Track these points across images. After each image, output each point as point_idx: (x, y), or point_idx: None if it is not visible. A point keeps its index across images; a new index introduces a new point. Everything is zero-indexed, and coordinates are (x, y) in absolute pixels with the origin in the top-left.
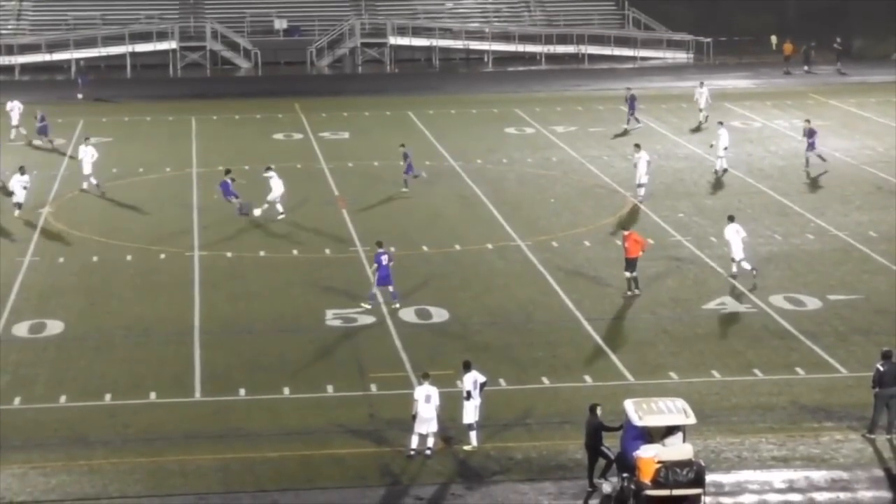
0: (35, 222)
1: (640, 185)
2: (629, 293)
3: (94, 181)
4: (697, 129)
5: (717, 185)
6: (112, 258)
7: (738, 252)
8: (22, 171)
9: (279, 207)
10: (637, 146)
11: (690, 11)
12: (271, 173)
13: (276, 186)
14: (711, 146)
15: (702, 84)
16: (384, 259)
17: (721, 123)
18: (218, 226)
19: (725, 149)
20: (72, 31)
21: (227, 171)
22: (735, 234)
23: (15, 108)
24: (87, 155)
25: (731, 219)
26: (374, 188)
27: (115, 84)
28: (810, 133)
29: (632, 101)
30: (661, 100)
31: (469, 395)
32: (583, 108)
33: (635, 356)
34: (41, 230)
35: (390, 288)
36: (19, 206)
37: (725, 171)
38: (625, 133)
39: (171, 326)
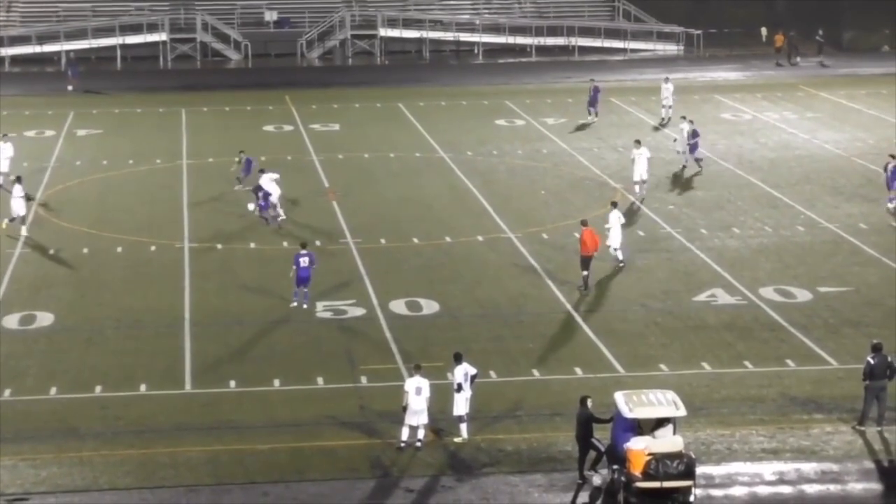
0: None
1: (641, 182)
2: (584, 291)
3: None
4: (662, 125)
5: (707, 177)
6: (102, 250)
7: (615, 240)
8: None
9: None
10: (637, 142)
11: (681, 3)
12: (268, 175)
13: (274, 189)
14: (675, 140)
15: (667, 80)
16: (303, 261)
17: (684, 118)
18: (208, 218)
19: (689, 144)
20: (62, 23)
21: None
22: (616, 221)
23: None
24: (6, 151)
25: (614, 205)
26: (364, 180)
27: (105, 76)
28: (693, 134)
29: (595, 93)
30: (652, 92)
31: (460, 388)
32: (573, 101)
33: (626, 348)
34: (31, 222)
35: (305, 290)
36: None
37: (684, 167)
38: (584, 127)
39: (161, 318)
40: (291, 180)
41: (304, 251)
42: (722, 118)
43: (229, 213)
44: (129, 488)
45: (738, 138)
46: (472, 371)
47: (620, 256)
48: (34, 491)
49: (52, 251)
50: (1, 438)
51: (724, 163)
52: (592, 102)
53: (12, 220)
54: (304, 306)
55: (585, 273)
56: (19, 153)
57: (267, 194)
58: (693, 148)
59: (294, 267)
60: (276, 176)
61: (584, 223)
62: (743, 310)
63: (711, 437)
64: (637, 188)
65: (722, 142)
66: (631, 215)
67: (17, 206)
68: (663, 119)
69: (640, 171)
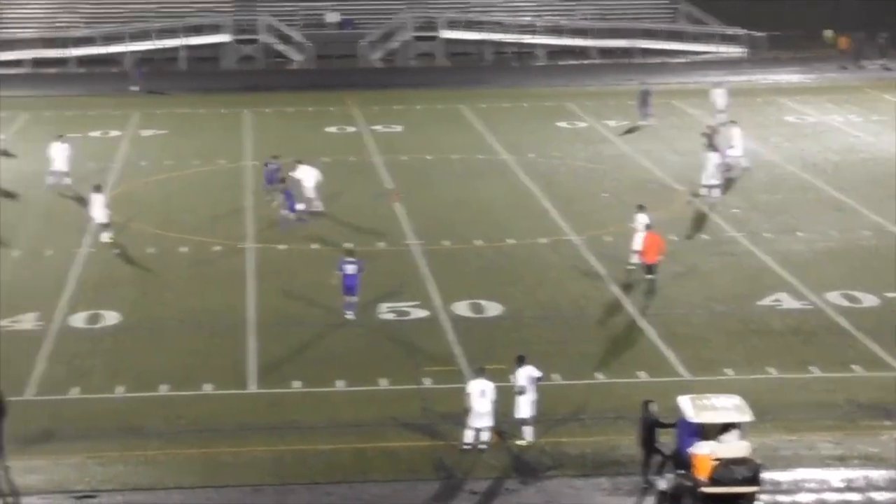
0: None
1: (712, 186)
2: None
3: (67, 181)
4: (713, 134)
5: (772, 180)
6: (167, 250)
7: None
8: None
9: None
10: (710, 146)
11: (744, 5)
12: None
13: (308, 178)
14: (732, 147)
15: (718, 85)
16: (348, 268)
17: (734, 122)
18: (271, 218)
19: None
20: (126, 24)
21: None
22: (643, 224)
23: None
24: (62, 152)
25: (640, 208)
26: (426, 182)
27: (169, 76)
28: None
29: (645, 97)
30: None
31: (523, 391)
32: (634, 103)
33: (690, 352)
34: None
35: (353, 299)
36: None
37: (746, 168)
38: (635, 129)
39: (225, 318)
40: (353, 182)
41: (350, 258)
42: (786, 121)
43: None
44: (193, 487)
45: (802, 141)
46: (536, 374)
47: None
48: (101, 489)
49: (117, 251)
50: (68, 436)
51: (789, 166)
52: (642, 105)
53: (105, 226)
54: (352, 317)
55: (650, 277)
56: (84, 154)
57: (290, 194)
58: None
59: (338, 273)
60: (314, 171)
61: (647, 227)
62: (808, 314)
63: (777, 443)
64: (710, 192)
65: (786, 145)
66: (695, 218)
67: (100, 214)
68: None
69: (709, 175)
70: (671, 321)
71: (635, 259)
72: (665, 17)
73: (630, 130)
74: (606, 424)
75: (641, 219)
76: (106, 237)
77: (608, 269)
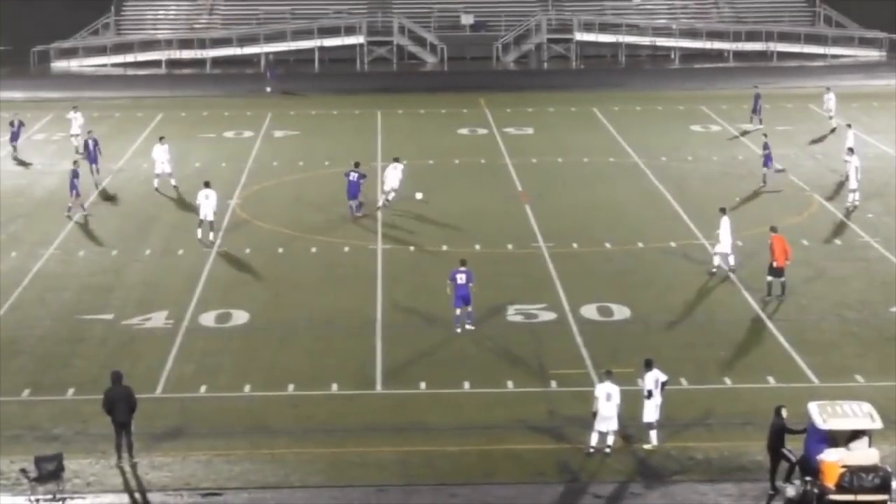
0: (223, 214)
1: (853, 190)
2: (768, 297)
3: (173, 182)
4: (822, 139)
5: None
6: (297, 250)
7: (725, 246)
8: (207, 184)
9: (389, 197)
10: (850, 150)
11: (885, 7)
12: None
13: (392, 178)
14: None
15: (828, 89)
16: (460, 278)
17: (849, 126)
18: (402, 220)
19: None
20: (262, 26)
21: (357, 165)
22: (726, 227)
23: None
24: (163, 154)
25: (722, 211)
26: (557, 184)
27: (303, 78)
28: (765, 146)
29: (756, 100)
30: (853, 98)
31: (650, 394)
32: (771, 107)
33: (820, 358)
34: (228, 221)
35: (469, 308)
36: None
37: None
38: (743, 133)
39: (353, 319)
40: (484, 183)
41: (462, 268)
42: None
43: (421, 215)
44: (319, 486)
45: None
46: (663, 378)
47: (732, 262)
48: (227, 486)
49: (248, 250)
50: (196, 433)
51: None
52: (755, 110)
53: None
54: (471, 327)
55: (770, 279)
56: (219, 154)
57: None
58: (767, 160)
59: (450, 283)
60: (400, 166)
61: (773, 230)
62: None
63: None
64: (853, 196)
65: None
66: (828, 224)
67: (207, 209)
68: (832, 130)
69: (851, 181)
70: (802, 327)
71: (728, 259)
72: (803, 19)
73: (743, 133)
74: (734, 430)
75: (725, 222)
76: (211, 237)
77: (739, 273)
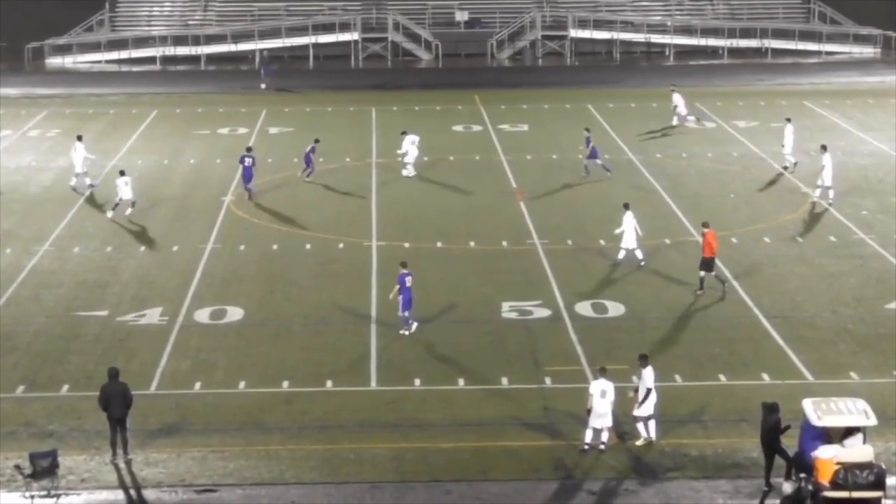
0: (218, 210)
1: (827, 188)
2: (699, 291)
3: (87, 181)
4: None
5: None
6: (291, 247)
7: (629, 241)
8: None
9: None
10: (823, 147)
11: (879, 5)
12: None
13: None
14: (782, 145)
15: (673, 89)
16: (408, 280)
17: (788, 120)
18: (396, 216)
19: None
20: (256, 22)
21: (249, 149)
22: (629, 223)
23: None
24: (78, 153)
25: (626, 206)
26: (552, 181)
27: (297, 74)
28: (587, 140)
29: (679, 102)
30: (847, 95)
31: (648, 392)
32: (765, 104)
33: (815, 355)
34: (223, 218)
35: (406, 313)
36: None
37: (792, 165)
38: (662, 132)
39: (348, 316)
40: (479, 180)
41: (405, 271)
42: None
43: (418, 212)
44: (314, 483)
45: None
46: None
47: (639, 255)
48: (222, 483)
49: (242, 247)
50: (191, 430)
51: None
52: (679, 110)
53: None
54: (411, 330)
55: (703, 274)
56: (213, 150)
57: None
58: (593, 153)
59: (397, 287)
60: (416, 138)
61: (705, 225)
62: None
63: None
64: (824, 193)
65: None
66: (822, 220)
67: (126, 193)
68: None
69: (827, 178)
70: (797, 324)
71: (621, 255)
72: (797, 16)
73: (661, 133)
74: (728, 427)
75: (628, 217)
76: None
77: (734, 270)
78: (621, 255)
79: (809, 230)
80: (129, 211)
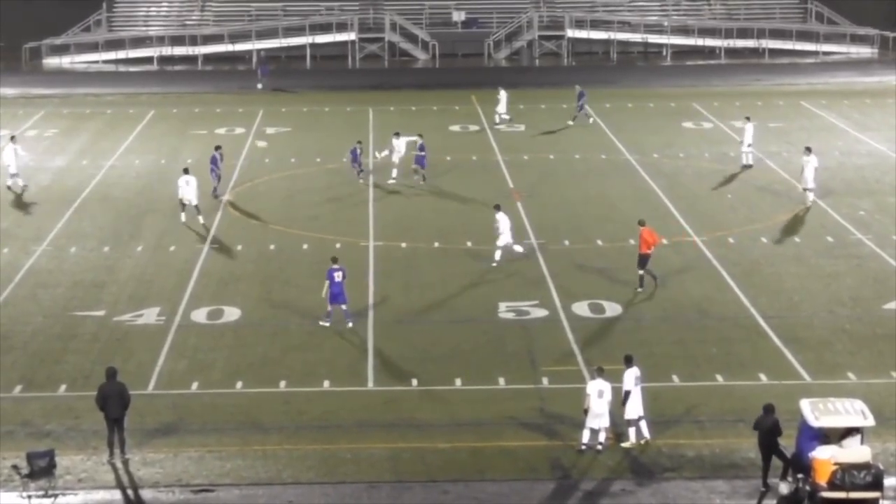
0: (215, 210)
1: (808, 189)
2: (639, 290)
3: (20, 181)
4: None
5: None
6: (289, 247)
7: (505, 239)
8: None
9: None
10: (808, 149)
11: (876, 5)
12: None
13: (399, 147)
14: (740, 142)
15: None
16: (337, 276)
17: (748, 118)
18: (393, 216)
19: (749, 145)
20: (253, 23)
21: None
22: (503, 221)
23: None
24: (12, 154)
25: (497, 207)
26: (548, 181)
27: (294, 74)
28: (421, 147)
29: (580, 97)
30: (844, 95)
31: (627, 395)
32: (762, 104)
33: (812, 355)
34: (220, 218)
35: (343, 307)
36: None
37: (750, 166)
38: (566, 127)
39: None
40: (476, 180)
41: (336, 266)
42: None
43: (414, 212)
44: (311, 483)
45: None
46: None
47: (519, 249)
48: (219, 483)
49: (239, 247)
50: (188, 430)
51: None
52: (580, 107)
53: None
54: (350, 325)
55: (641, 272)
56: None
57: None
58: (417, 160)
59: (327, 282)
60: (412, 139)
61: (641, 223)
62: None
63: None
64: (808, 195)
65: None
66: (812, 222)
67: (189, 194)
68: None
69: (808, 179)
70: (794, 324)
71: (498, 255)
72: (795, 16)
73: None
74: (726, 427)
75: (502, 217)
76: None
77: (731, 270)
78: (498, 255)
79: (806, 230)
80: (200, 219)
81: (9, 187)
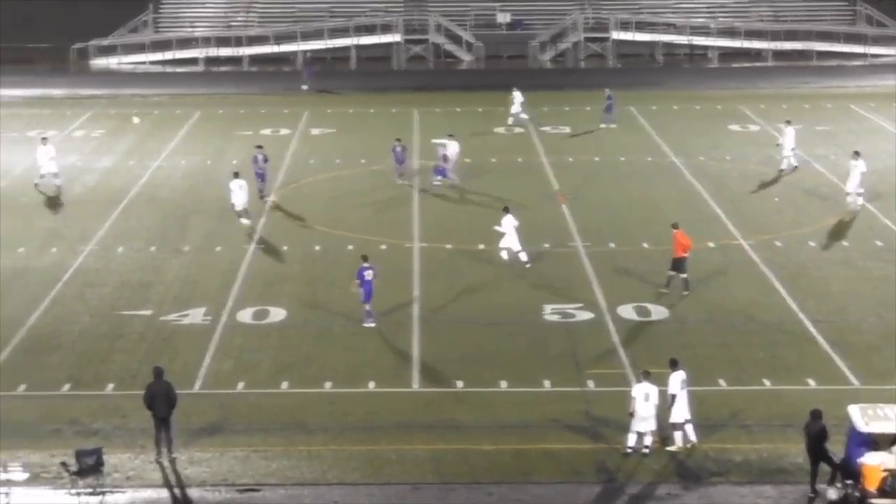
0: (260, 211)
1: (857, 194)
2: (665, 290)
3: (57, 181)
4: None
5: None
6: (334, 248)
7: (513, 244)
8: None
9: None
10: (856, 153)
11: None
12: (444, 141)
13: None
14: (777, 145)
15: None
16: (368, 274)
17: (789, 122)
18: (438, 218)
19: (793, 149)
20: (299, 24)
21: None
22: (510, 225)
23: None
24: (46, 154)
25: (506, 210)
26: (593, 183)
27: (339, 76)
28: (444, 158)
29: (608, 99)
30: (893, 98)
31: (674, 399)
32: (810, 106)
33: (861, 360)
34: (265, 219)
35: (367, 306)
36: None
37: (795, 167)
38: (606, 130)
39: (390, 317)
40: (521, 182)
41: (366, 265)
42: None
43: (459, 214)
44: (356, 484)
45: None
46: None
47: (524, 258)
48: (265, 482)
49: (285, 248)
50: (234, 430)
51: None
52: (608, 111)
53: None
54: (372, 324)
55: (672, 273)
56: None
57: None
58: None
59: (357, 281)
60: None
61: (674, 226)
62: None
63: None
64: (857, 199)
65: None
66: (859, 225)
67: (238, 198)
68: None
69: (854, 184)
70: (842, 328)
71: (504, 255)
72: (843, 18)
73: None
74: (773, 432)
75: (508, 220)
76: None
77: (778, 273)
78: (504, 255)
79: (854, 233)
80: (245, 221)
81: (36, 185)
